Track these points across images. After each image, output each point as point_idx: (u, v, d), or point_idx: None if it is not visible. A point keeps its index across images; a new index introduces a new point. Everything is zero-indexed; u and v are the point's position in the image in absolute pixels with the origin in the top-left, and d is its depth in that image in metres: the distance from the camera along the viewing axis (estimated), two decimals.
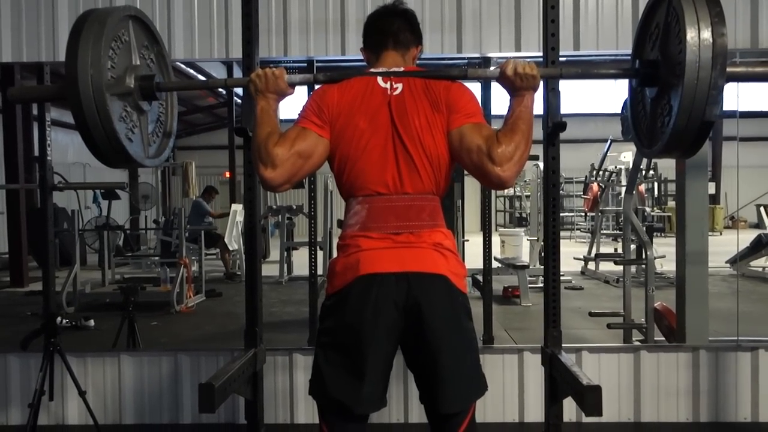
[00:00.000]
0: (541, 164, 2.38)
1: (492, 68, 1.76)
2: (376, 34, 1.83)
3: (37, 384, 2.88)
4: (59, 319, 3.03)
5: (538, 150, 2.44)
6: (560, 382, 2.24)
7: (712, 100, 1.52)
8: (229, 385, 2.09)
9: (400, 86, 1.69)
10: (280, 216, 8.43)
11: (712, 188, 16.74)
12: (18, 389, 3.32)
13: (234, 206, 8.03)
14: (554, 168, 2.37)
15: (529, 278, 6.62)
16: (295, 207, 8.41)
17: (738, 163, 4.83)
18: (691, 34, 1.52)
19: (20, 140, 7.81)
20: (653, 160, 10.24)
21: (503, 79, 1.67)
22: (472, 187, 9.11)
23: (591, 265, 8.29)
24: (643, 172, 9.27)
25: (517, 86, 1.65)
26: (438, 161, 1.66)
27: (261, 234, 2.60)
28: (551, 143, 2.37)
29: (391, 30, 1.80)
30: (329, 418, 1.68)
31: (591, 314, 4.74)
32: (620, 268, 4.97)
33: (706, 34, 1.52)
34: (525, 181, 9.88)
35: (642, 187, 9.91)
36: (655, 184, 11.99)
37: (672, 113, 1.60)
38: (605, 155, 8.92)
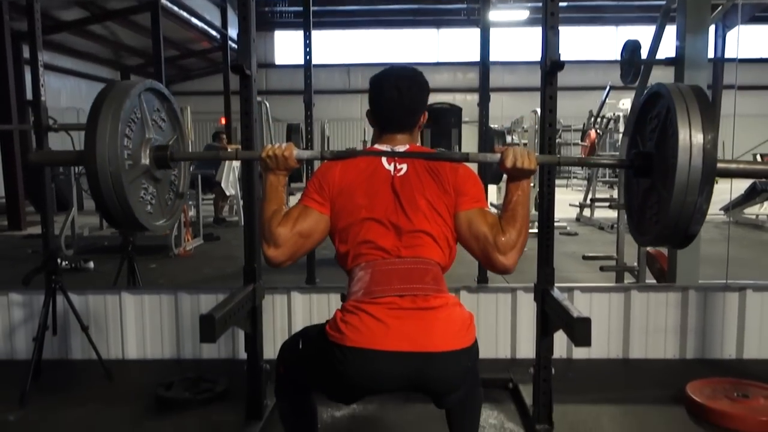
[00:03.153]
0: (539, 110, 2.38)
1: (492, 154, 1.81)
2: (383, 116, 1.81)
3: (41, 319, 2.94)
4: (59, 261, 3.07)
5: (537, 97, 2.44)
6: (552, 315, 2.30)
7: (695, 221, 1.59)
8: (229, 318, 2.14)
9: (404, 166, 1.73)
10: None
11: None
12: (22, 325, 3.39)
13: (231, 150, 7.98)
14: (551, 107, 2.37)
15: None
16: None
17: (735, 112, 4.81)
18: (683, 158, 1.55)
19: (12, 83, 7.70)
20: None
21: (503, 168, 1.72)
22: (470, 133, 9.07)
23: (586, 212, 8.36)
24: None
25: (515, 176, 1.71)
26: (443, 237, 1.69)
27: (258, 178, 2.61)
28: (549, 82, 2.36)
29: (400, 116, 1.80)
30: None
31: (585, 257, 4.82)
32: (615, 215, 5.02)
33: (698, 161, 1.54)
34: (523, 127, 9.82)
35: None
36: None
37: (659, 218, 1.67)
38: (604, 102, 8.87)
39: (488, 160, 1.88)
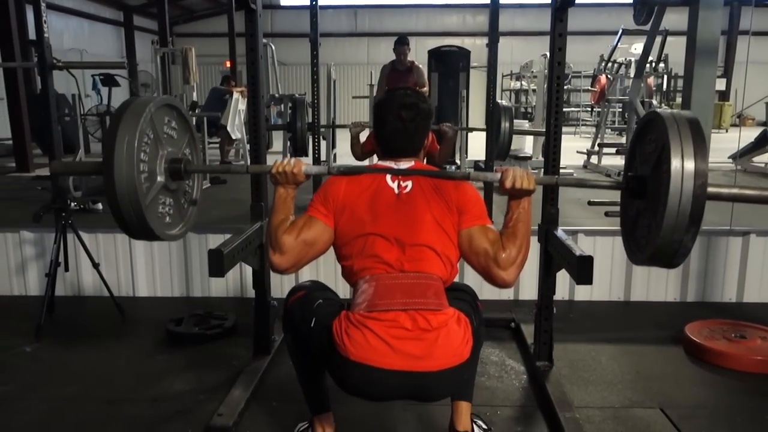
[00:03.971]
0: (549, 54, 2.33)
1: (492, 174, 1.81)
2: (388, 145, 1.85)
3: (53, 255, 2.99)
4: (68, 201, 3.10)
5: (547, 41, 2.39)
6: (554, 255, 2.33)
7: (680, 255, 1.65)
8: (237, 253, 2.18)
9: (409, 184, 1.78)
10: (282, 105, 8.32)
11: (722, 84, 16.37)
12: (34, 262, 3.46)
13: (235, 94, 7.91)
14: (560, 45, 2.33)
15: (532, 170, 6.67)
16: (298, 95, 8.29)
17: (748, 58, 4.70)
18: (673, 194, 1.57)
19: (14, 24, 7.57)
20: (664, 52, 9.95)
21: (502, 188, 1.73)
22: (477, 79, 8.96)
23: (594, 159, 8.31)
24: (653, 63, 9.04)
25: (515, 195, 1.73)
26: (445, 253, 1.73)
27: (264, 122, 2.60)
28: (559, 19, 2.31)
29: (404, 146, 1.83)
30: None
31: (590, 203, 4.83)
32: (622, 161, 5.00)
33: (686, 205, 1.56)
34: (532, 72, 9.67)
35: (651, 80, 9.71)
36: (665, 78, 11.73)
37: (648, 242, 1.71)
38: (615, 46, 8.70)
39: (489, 179, 1.94)
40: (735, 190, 1.78)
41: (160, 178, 1.84)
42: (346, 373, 1.66)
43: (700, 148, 1.61)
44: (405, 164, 1.82)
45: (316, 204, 1.80)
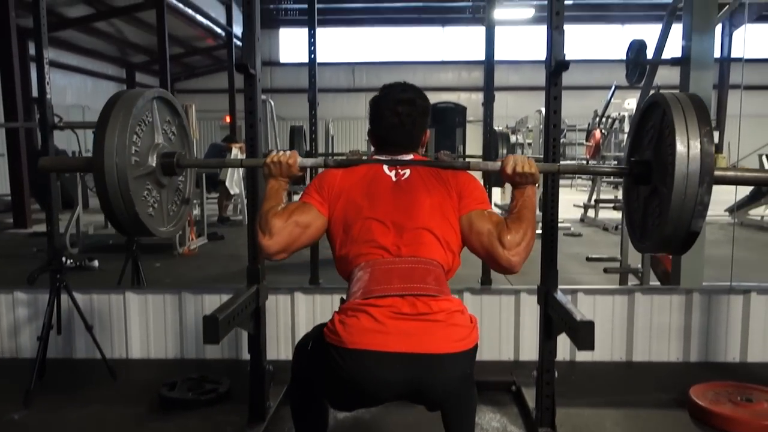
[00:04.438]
0: (543, 110, 2.37)
1: (493, 162, 1.82)
2: (384, 140, 1.82)
3: (45, 318, 2.95)
4: (64, 259, 3.08)
5: (541, 96, 2.43)
6: (555, 319, 2.30)
7: (697, 214, 1.58)
8: (233, 319, 2.15)
9: (407, 171, 1.74)
10: None
11: (715, 137, 16.62)
12: (26, 324, 3.40)
13: (234, 149, 7.98)
14: (556, 108, 2.37)
15: None
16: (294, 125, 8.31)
17: (741, 111, 4.78)
18: (680, 149, 1.56)
19: (18, 80, 7.71)
20: None
21: (504, 175, 1.71)
22: (474, 133, 9.07)
23: (590, 213, 8.34)
24: None
25: (517, 182, 1.70)
26: (446, 239, 1.67)
27: (262, 177, 2.62)
28: (553, 83, 2.35)
29: (401, 141, 1.81)
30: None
31: (588, 259, 4.82)
32: (619, 215, 5.01)
33: (695, 152, 1.55)
34: (527, 127, 9.81)
35: None
36: None
37: (660, 220, 1.66)
38: (609, 101, 8.85)
39: (489, 169, 1.89)
40: (738, 173, 1.75)
41: (151, 163, 1.82)
42: (343, 371, 1.53)
43: (706, 128, 1.57)
44: (405, 158, 1.77)
45: (310, 191, 1.74)
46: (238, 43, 12.97)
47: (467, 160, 1.87)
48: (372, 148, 1.91)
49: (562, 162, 2.49)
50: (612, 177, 9.11)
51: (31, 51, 7.22)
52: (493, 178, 3.99)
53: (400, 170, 1.74)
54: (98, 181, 1.73)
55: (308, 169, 3.70)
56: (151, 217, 1.87)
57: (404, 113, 1.77)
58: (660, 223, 1.67)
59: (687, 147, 1.53)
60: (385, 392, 1.57)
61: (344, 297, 1.69)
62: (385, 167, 1.75)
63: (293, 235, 1.66)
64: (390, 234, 1.64)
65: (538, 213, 3.99)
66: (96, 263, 5.59)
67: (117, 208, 1.77)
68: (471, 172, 1.82)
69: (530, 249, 1.65)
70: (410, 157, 1.79)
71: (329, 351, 1.57)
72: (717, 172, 1.59)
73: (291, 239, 1.66)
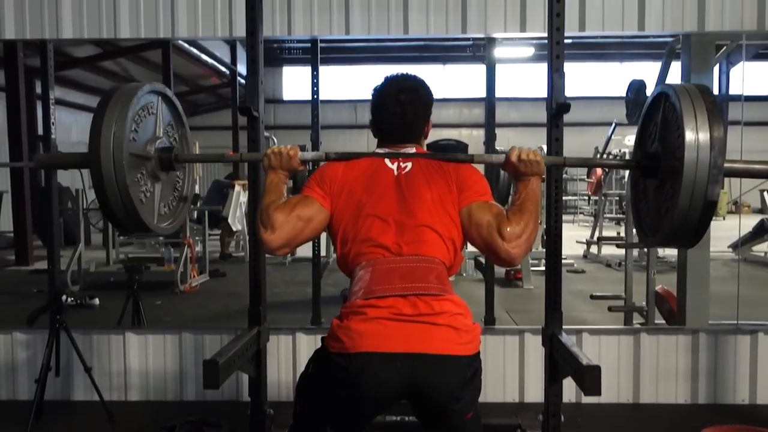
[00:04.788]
0: (545, 147, 2.39)
1: (497, 155, 1.80)
2: (386, 130, 1.81)
3: (44, 360, 2.92)
4: (64, 297, 3.06)
5: (542, 132, 2.45)
6: (560, 362, 2.26)
7: (713, 179, 1.55)
8: (233, 363, 2.11)
9: (409, 164, 1.72)
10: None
11: None
12: (25, 365, 3.37)
13: (237, 187, 8.01)
14: (557, 149, 2.37)
15: (531, 261, 6.64)
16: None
17: (742, 148, 4.80)
18: (688, 120, 1.55)
19: (24, 119, 7.80)
20: None
21: (508, 165, 1.69)
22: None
23: (593, 249, 8.30)
24: None
25: (522, 172, 1.68)
26: (449, 235, 1.65)
27: None
28: (555, 125, 2.36)
29: (404, 131, 1.79)
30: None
31: (592, 297, 4.77)
32: (622, 251, 4.99)
33: (703, 118, 1.55)
34: None
35: None
36: None
37: (674, 196, 1.63)
38: (609, 138, 8.86)
39: (493, 161, 1.85)
40: (747, 165, 1.72)
41: (149, 152, 1.81)
42: (349, 373, 1.50)
43: (715, 118, 1.55)
44: (408, 150, 1.74)
45: (312, 185, 1.70)
46: (242, 81, 13.15)
47: (471, 153, 1.84)
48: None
49: (564, 198, 2.47)
50: (621, 206, 9.05)
51: (38, 89, 7.32)
52: (497, 196, 3.99)
53: (402, 163, 1.71)
54: (95, 178, 1.71)
55: (309, 166, 3.72)
56: (158, 216, 1.84)
57: (406, 101, 1.75)
58: (662, 224, 1.64)
59: (694, 115, 1.50)
60: (388, 394, 1.54)
61: (345, 293, 1.67)
62: (387, 160, 1.72)
63: (296, 229, 1.63)
64: (391, 232, 1.62)
65: (541, 250, 3.94)
66: (96, 301, 5.54)
67: (114, 204, 1.74)
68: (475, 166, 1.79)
69: (531, 242, 1.61)
70: (413, 150, 1.76)
71: (332, 360, 1.55)
72: (726, 164, 1.56)
73: (294, 233, 1.63)
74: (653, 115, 1.81)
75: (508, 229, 1.57)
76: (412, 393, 1.55)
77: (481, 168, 2.00)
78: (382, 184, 1.68)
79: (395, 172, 1.70)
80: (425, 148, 1.88)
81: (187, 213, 2.17)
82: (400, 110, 1.75)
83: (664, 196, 1.73)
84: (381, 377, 1.51)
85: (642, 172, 1.79)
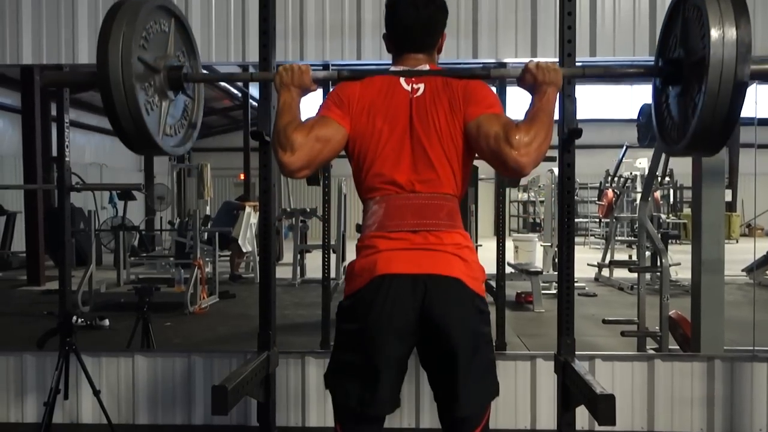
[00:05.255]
0: (555, 170, 2.40)
1: (513, 69, 1.77)
2: (400, 35, 1.78)
3: (53, 382, 2.91)
4: (74, 318, 3.06)
5: (553, 154, 2.43)
6: (573, 390, 2.22)
7: (741, 58, 1.48)
8: (242, 388, 2.10)
9: (421, 86, 1.70)
10: (294, 218, 8.45)
11: (728, 195, 16.54)
12: (34, 387, 3.36)
13: (248, 208, 8.05)
14: (569, 175, 2.36)
15: (542, 284, 6.59)
16: (309, 210, 8.43)
17: (755, 171, 4.77)
18: (713, 20, 1.51)
19: (39, 141, 7.90)
20: (669, 167, 10.15)
21: (526, 74, 1.67)
22: (485, 191, 9.10)
23: (605, 272, 8.24)
24: (659, 178, 9.20)
25: (540, 80, 1.65)
26: (458, 161, 1.66)
27: (275, 236, 2.61)
28: (566, 150, 2.35)
29: (417, 35, 1.76)
30: (343, 418, 1.69)
31: (605, 321, 4.71)
32: (635, 275, 4.94)
33: (729, 18, 1.51)
34: (539, 186, 9.84)
35: (657, 194, 9.83)
36: (671, 191, 11.88)
37: (686, 129, 1.60)
38: (620, 161, 8.87)
39: (511, 74, 1.80)
40: None
41: (158, 63, 1.79)
42: (364, 306, 1.58)
43: (742, 15, 1.50)
44: (422, 68, 1.72)
45: (329, 105, 1.69)
46: (255, 103, 13.30)
47: (487, 68, 1.81)
48: None
49: (576, 214, 2.44)
50: (632, 229, 9.03)
51: (53, 111, 7.43)
52: (507, 180, 3.92)
53: (415, 84, 1.69)
54: (104, 95, 1.70)
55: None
56: (147, 114, 1.78)
57: (421, 5, 1.72)
58: (687, 129, 1.60)
59: (720, 14, 1.46)
60: (404, 318, 1.57)
61: (360, 224, 1.73)
62: (402, 80, 1.70)
63: (315, 150, 1.62)
64: (404, 168, 1.64)
65: (553, 272, 3.90)
66: (107, 322, 5.56)
67: (120, 106, 1.73)
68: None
69: (542, 152, 1.57)
70: (426, 67, 1.74)
71: (347, 300, 1.64)
72: (754, 67, 1.52)
73: (313, 154, 1.62)
74: (672, 27, 1.77)
75: (516, 137, 1.53)
76: (424, 317, 1.57)
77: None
78: (398, 113, 1.67)
79: (410, 94, 1.69)
80: (437, 65, 1.85)
81: (194, 137, 2.11)
82: (415, 15, 1.72)
83: (690, 98, 1.68)
84: (396, 295, 1.56)
85: (664, 79, 1.76)
